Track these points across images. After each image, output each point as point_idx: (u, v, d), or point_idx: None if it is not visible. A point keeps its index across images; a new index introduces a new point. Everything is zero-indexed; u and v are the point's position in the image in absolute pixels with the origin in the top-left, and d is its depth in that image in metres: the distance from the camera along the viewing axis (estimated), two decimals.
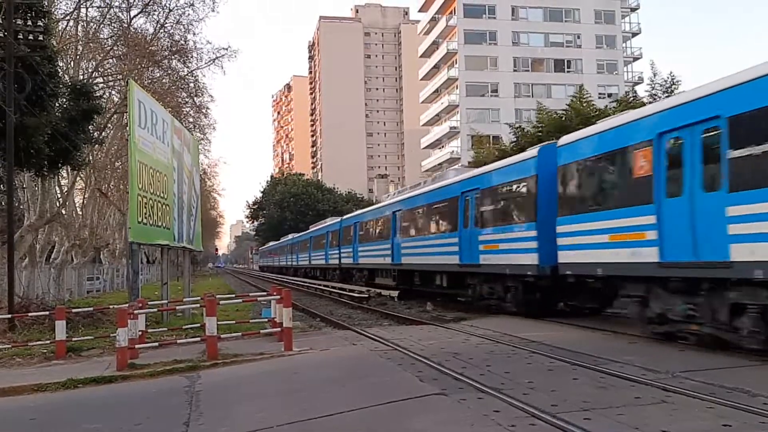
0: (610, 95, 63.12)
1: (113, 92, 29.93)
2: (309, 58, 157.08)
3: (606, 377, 8.32)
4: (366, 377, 9.68)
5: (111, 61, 29.26)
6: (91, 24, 28.14)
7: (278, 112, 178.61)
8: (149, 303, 15.68)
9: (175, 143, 19.58)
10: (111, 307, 16.20)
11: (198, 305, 16.71)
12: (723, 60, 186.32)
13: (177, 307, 17.19)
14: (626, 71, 79.19)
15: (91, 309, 17.32)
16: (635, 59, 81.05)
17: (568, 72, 74.83)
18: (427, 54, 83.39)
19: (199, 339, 12.46)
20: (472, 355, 10.52)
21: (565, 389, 7.67)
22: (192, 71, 31.33)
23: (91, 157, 26.15)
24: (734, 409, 6.47)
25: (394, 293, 23.86)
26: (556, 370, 9.04)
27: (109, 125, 29.35)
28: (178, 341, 13.07)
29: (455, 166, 52.64)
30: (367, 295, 24.63)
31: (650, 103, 25.26)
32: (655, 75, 34.39)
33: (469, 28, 74.50)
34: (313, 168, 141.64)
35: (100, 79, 27.84)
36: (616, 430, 6.00)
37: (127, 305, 12.65)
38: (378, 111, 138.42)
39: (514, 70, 74.86)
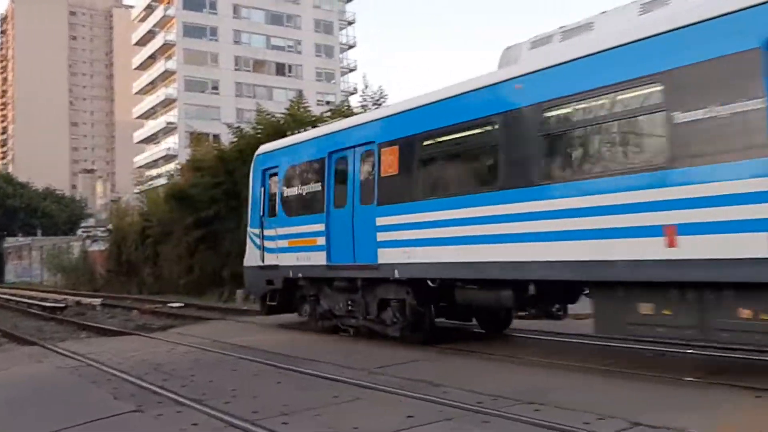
0: (328, 102, 66.25)
1: None
2: (1, 32, 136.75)
3: (307, 378, 8.52)
4: (52, 399, 8.57)
5: None
6: None
7: None
8: None
9: None
10: None
11: None
12: (437, 65, 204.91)
13: None
14: (343, 81, 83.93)
15: None
16: (351, 70, 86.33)
17: (289, 76, 76.69)
18: (142, 42, 78.66)
19: None
20: (176, 365, 10.00)
21: (268, 394, 7.67)
22: None
23: None
24: (418, 401, 7.02)
25: (96, 301, 21.82)
26: (261, 375, 9.01)
27: None
28: None
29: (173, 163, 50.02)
30: (63, 305, 22.12)
31: (361, 113, 26.90)
32: (366, 87, 36.81)
33: (188, 21, 72.09)
34: (2, 159, 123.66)
35: None
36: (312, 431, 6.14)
37: None
38: (85, 99, 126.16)
39: (236, 69, 74.40)
